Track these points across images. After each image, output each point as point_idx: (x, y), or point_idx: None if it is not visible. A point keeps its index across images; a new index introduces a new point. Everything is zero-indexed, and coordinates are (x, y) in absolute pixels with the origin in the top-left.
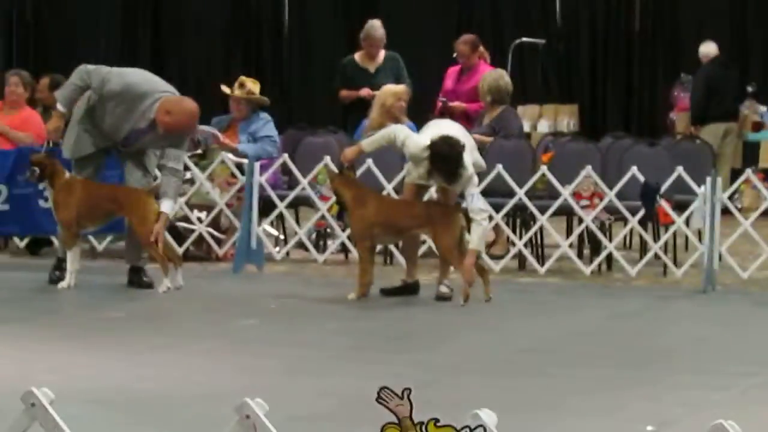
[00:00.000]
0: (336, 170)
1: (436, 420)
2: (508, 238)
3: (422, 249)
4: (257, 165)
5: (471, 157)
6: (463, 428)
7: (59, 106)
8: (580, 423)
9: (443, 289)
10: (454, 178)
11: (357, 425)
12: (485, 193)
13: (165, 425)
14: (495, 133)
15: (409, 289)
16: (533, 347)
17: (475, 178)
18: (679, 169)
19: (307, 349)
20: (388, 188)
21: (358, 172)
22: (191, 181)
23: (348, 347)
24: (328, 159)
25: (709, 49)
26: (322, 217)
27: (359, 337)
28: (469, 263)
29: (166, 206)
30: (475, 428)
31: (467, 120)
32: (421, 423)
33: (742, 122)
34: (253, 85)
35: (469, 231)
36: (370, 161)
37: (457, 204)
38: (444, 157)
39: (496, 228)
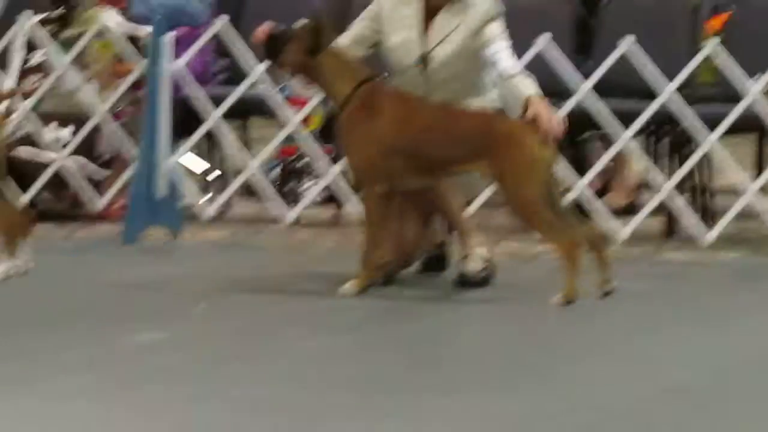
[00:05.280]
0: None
1: None
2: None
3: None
4: (169, 38)
5: None
6: None
7: None
8: None
9: (472, 265)
10: None
11: None
12: (600, 91)
13: None
14: None
15: (433, 262)
16: (693, 385)
17: (502, 24)
18: None
19: (263, 387)
20: None
21: None
22: (42, 70)
23: (340, 385)
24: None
25: None
26: (292, 137)
27: (363, 365)
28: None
29: None
30: None
31: None
32: None
33: None
34: None
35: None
36: None
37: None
38: None
39: (620, 159)
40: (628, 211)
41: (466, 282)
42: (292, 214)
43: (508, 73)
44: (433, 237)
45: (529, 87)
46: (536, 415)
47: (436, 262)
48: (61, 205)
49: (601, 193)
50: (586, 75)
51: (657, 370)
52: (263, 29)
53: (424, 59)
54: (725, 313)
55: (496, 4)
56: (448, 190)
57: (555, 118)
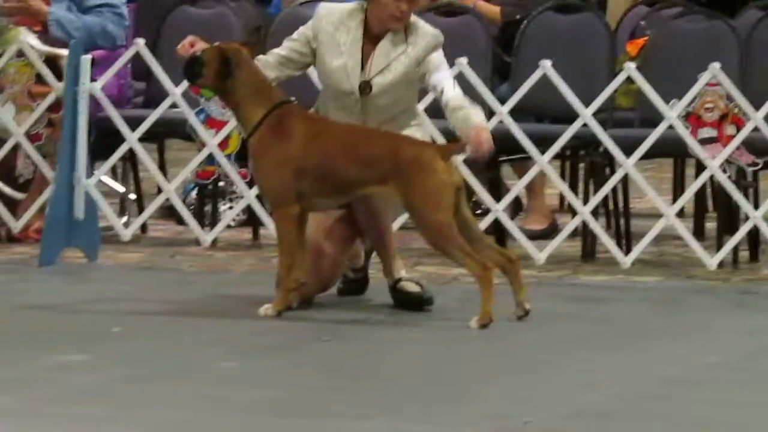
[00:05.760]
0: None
1: None
2: (562, 199)
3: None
4: (87, 60)
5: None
6: None
7: None
8: None
9: (410, 286)
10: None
11: None
12: (516, 116)
13: None
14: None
15: (352, 285)
16: (607, 407)
17: (441, 54)
18: None
19: (180, 409)
20: None
21: None
22: None
23: (255, 408)
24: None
25: None
26: (210, 160)
27: (279, 388)
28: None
29: None
30: None
31: None
32: None
33: None
34: None
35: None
36: None
37: (447, 145)
38: None
39: (539, 182)
40: (545, 235)
41: (414, 302)
42: (209, 236)
43: (455, 104)
44: (354, 260)
45: (476, 115)
46: None
47: (356, 286)
48: None
49: (511, 216)
50: (504, 99)
51: (573, 391)
52: (187, 43)
53: (363, 87)
54: (642, 336)
55: (438, 35)
56: (385, 212)
57: (488, 143)
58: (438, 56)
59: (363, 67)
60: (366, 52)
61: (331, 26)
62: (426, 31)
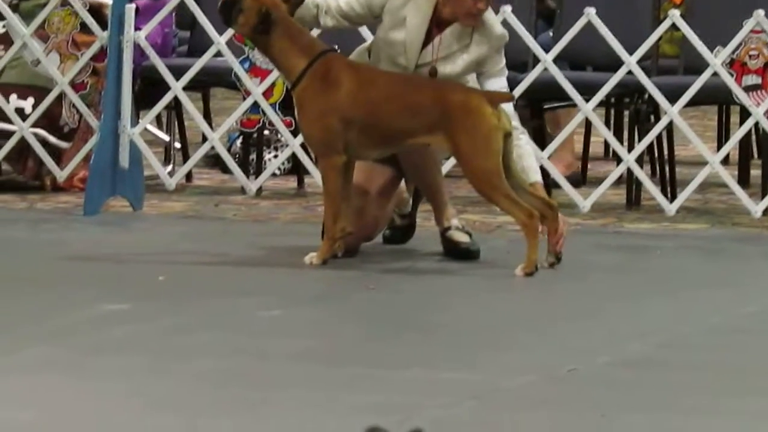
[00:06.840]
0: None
1: None
2: (607, 146)
3: None
4: (131, 9)
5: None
6: None
7: None
8: None
9: (459, 235)
10: None
11: None
12: (560, 64)
13: None
14: None
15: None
16: (646, 355)
17: (503, 56)
18: None
19: (224, 358)
20: None
21: None
22: (3, 41)
23: (301, 356)
24: None
25: None
26: (255, 108)
27: (324, 336)
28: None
29: None
30: None
31: None
32: None
33: None
34: None
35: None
36: None
37: (495, 92)
38: None
39: (559, 129)
40: (570, 182)
41: (461, 253)
42: (254, 185)
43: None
44: (401, 206)
45: (534, 169)
46: (492, 387)
47: (402, 232)
48: (21, 176)
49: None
50: (548, 46)
51: (616, 340)
52: None
53: (433, 72)
54: (685, 284)
55: (504, 35)
56: (433, 163)
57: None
58: (499, 60)
59: (423, 49)
60: (429, 34)
61: (400, 0)
62: (494, 31)
